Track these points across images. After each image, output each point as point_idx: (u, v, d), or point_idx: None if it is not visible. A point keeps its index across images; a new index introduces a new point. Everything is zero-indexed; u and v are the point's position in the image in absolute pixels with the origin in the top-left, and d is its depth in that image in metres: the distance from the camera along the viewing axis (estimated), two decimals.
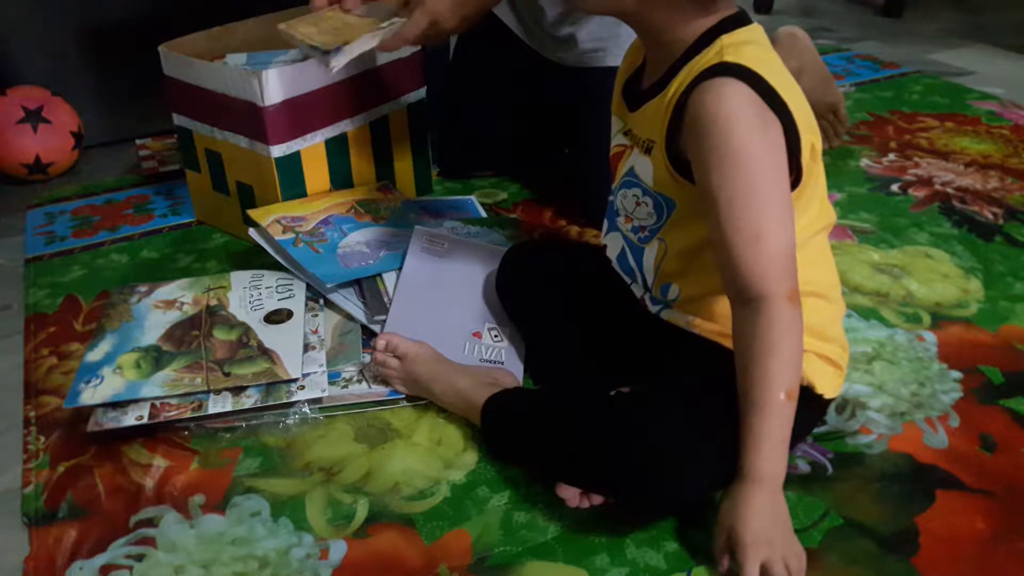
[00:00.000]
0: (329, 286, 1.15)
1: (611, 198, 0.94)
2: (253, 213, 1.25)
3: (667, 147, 0.81)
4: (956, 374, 1.06)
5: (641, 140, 0.86)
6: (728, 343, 0.87)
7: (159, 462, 0.97)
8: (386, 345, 1.02)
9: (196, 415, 0.99)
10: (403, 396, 1.04)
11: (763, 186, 0.76)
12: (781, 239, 0.77)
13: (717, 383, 0.84)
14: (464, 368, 1.02)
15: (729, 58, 0.78)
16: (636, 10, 0.81)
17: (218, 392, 1.01)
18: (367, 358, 1.08)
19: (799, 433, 0.81)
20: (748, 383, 0.78)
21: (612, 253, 0.96)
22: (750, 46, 0.79)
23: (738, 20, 0.81)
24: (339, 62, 1.02)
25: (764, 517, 0.79)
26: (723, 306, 0.86)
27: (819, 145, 0.82)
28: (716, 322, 0.87)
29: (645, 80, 0.87)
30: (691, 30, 0.80)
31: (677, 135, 0.80)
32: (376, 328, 1.11)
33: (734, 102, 0.76)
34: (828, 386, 0.88)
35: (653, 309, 0.93)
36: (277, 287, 1.17)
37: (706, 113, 0.76)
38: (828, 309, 0.88)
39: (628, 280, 0.95)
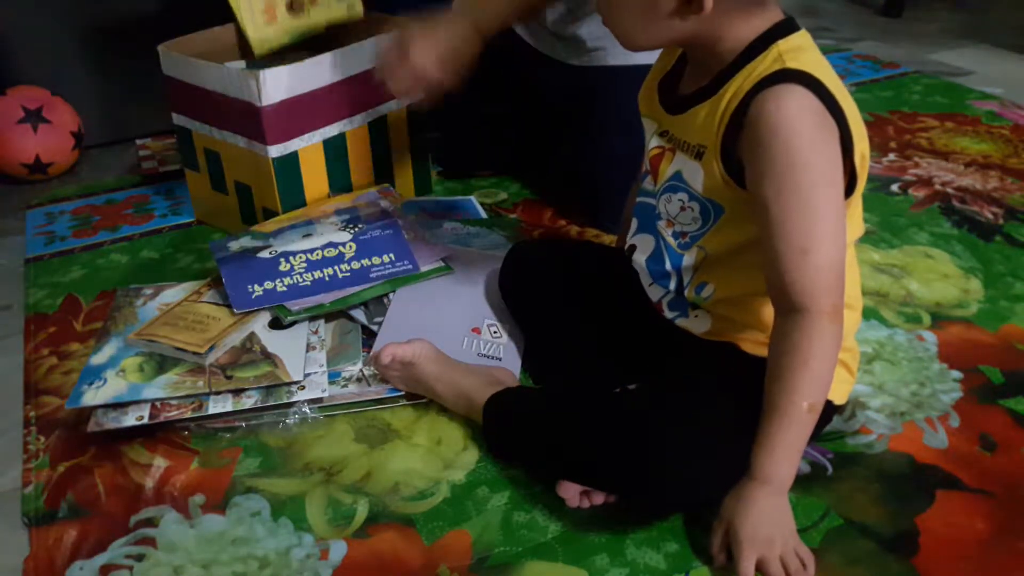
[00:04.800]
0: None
1: (648, 200, 0.92)
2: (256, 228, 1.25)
3: (722, 153, 0.80)
4: (956, 374, 1.06)
5: (689, 145, 0.84)
6: (746, 346, 0.87)
7: (159, 462, 0.97)
8: (392, 359, 1.02)
9: (196, 415, 0.99)
10: (403, 394, 1.04)
11: (817, 199, 0.76)
12: (829, 254, 0.76)
13: (724, 385, 0.84)
14: (466, 367, 1.02)
15: (791, 64, 0.77)
16: (694, 33, 0.80)
17: (219, 392, 1.01)
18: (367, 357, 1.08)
19: None
20: (774, 389, 0.79)
21: (641, 255, 0.94)
22: (807, 52, 0.79)
23: (790, 26, 0.80)
24: (215, 356, 1.04)
25: (764, 516, 0.79)
26: (757, 308, 0.86)
27: (868, 153, 0.81)
28: (744, 323, 0.87)
29: (686, 84, 0.86)
30: (742, 36, 0.79)
31: (734, 141, 0.79)
32: (375, 328, 1.11)
33: (798, 110, 0.75)
34: (840, 393, 0.88)
35: (669, 315, 0.93)
36: None
37: (768, 120, 0.75)
38: (851, 319, 0.88)
39: (650, 282, 0.94)
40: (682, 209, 0.86)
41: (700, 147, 0.83)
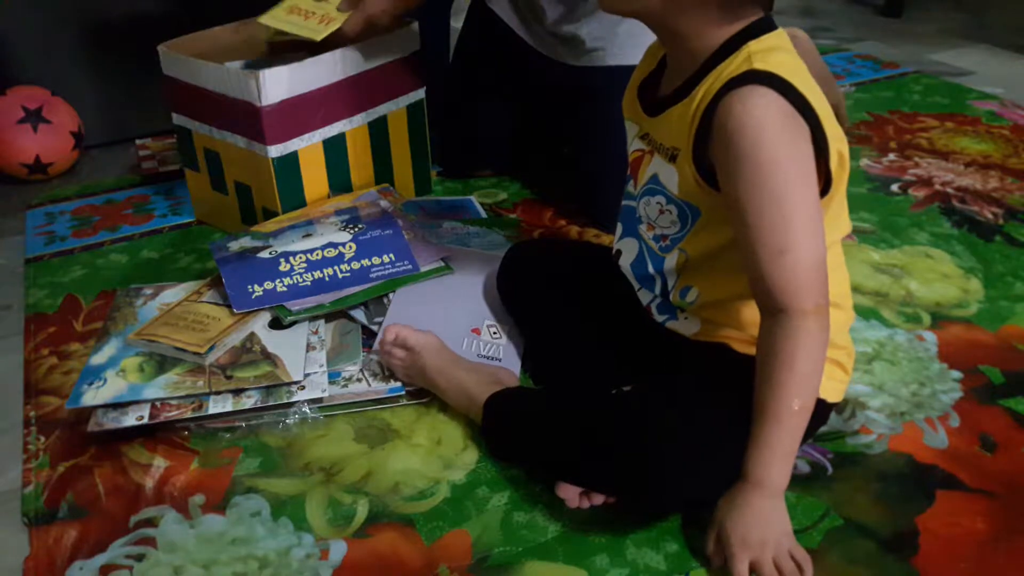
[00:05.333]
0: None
1: (630, 203, 0.92)
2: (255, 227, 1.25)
3: (694, 155, 0.80)
4: (956, 374, 1.06)
5: (664, 147, 0.84)
6: (737, 346, 0.87)
7: (159, 462, 0.97)
8: (395, 338, 1.02)
9: (196, 415, 0.99)
10: (403, 395, 1.04)
11: (790, 198, 0.75)
12: (807, 252, 0.76)
13: (719, 386, 0.84)
14: (470, 364, 1.02)
15: (758, 65, 0.76)
16: (661, 13, 0.79)
17: (219, 392, 1.01)
18: (368, 356, 1.08)
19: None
20: (763, 391, 0.78)
21: (626, 259, 0.94)
22: (778, 52, 0.78)
23: (764, 26, 0.79)
24: (215, 356, 1.04)
25: (757, 518, 0.79)
26: (743, 310, 0.86)
27: (846, 152, 0.80)
28: (731, 326, 0.87)
29: (664, 86, 0.86)
30: (716, 36, 0.79)
31: (705, 143, 0.79)
32: (375, 328, 1.12)
33: (764, 111, 0.75)
34: (833, 391, 0.88)
35: (659, 318, 0.93)
36: None
37: (735, 122, 0.75)
38: (841, 317, 0.88)
39: (638, 286, 0.94)
40: (660, 212, 0.86)
41: (674, 150, 0.83)
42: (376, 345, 1.07)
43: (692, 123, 0.79)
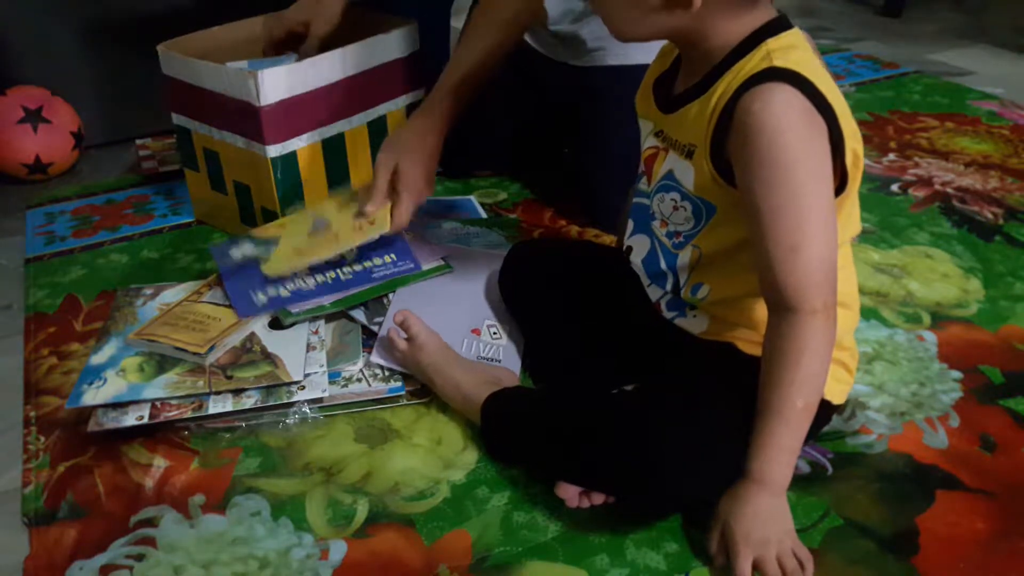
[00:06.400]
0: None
1: (642, 200, 0.92)
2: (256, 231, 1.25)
3: (711, 152, 0.80)
4: (956, 374, 1.06)
5: (680, 144, 0.84)
6: (744, 346, 0.87)
7: (159, 462, 0.97)
8: (403, 320, 1.03)
9: (196, 415, 0.99)
10: (403, 395, 1.04)
11: (805, 197, 0.75)
12: (820, 251, 0.76)
13: (723, 385, 0.84)
14: (468, 364, 1.02)
15: (778, 63, 0.76)
16: (685, 25, 0.79)
17: (219, 392, 1.01)
18: (368, 358, 1.08)
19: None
20: (768, 388, 0.79)
21: (637, 256, 0.94)
22: (796, 51, 0.78)
23: (780, 24, 0.80)
24: (215, 356, 1.04)
25: (759, 516, 0.79)
26: (754, 308, 0.86)
27: (861, 151, 0.80)
28: (741, 324, 0.87)
29: (680, 83, 0.86)
30: (734, 34, 0.79)
31: (723, 140, 0.79)
32: (375, 328, 1.12)
33: (784, 108, 0.75)
34: (837, 393, 0.88)
35: (668, 315, 0.93)
36: None
37: (755, 119, 0.75)
38: (848, 318, 0.88)
39: (648, 282, 0.94)
40: (675, 209, 0.86)
41: (691, 146, 0.83)
42: (384, 331, 1.07)
43: (710, 120, 0.79)
